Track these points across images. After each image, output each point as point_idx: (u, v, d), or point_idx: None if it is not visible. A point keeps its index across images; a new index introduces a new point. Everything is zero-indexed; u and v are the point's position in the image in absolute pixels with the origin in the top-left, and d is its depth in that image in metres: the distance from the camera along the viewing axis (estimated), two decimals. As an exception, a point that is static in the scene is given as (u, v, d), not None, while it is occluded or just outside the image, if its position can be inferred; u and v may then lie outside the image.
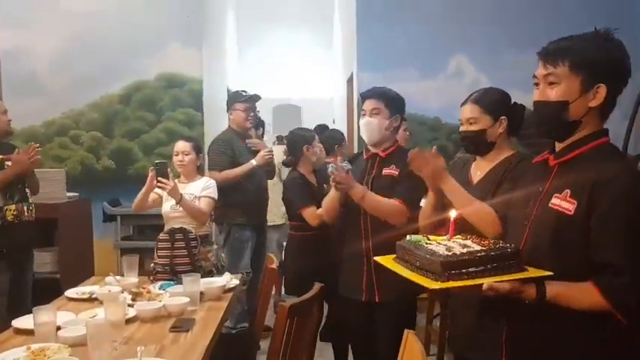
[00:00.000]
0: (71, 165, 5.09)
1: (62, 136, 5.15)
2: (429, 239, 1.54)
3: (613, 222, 1.33)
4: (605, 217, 1.33)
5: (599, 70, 1.41)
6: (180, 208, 3.23)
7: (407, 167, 2.46)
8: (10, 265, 3.32)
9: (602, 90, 1.41)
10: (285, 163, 3.66)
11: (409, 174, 2.43)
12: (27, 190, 3.41)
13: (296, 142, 3.37)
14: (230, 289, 2.77)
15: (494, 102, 2.01)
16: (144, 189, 3.25)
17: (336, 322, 3.28)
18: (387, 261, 1.60)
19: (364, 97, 2.64)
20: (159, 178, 3.14)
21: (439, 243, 1.48)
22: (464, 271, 1.35)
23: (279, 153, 4.37)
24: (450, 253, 1.38)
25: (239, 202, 3.94)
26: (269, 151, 4.00)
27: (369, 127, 2.58)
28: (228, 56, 7.56)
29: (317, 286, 2.25)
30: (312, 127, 4.54)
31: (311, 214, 3.08)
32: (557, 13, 4.96)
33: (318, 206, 2.97)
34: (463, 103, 2.06)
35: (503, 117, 1.99)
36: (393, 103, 2.60)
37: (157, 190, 3.25)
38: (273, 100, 8.81)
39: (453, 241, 1.48)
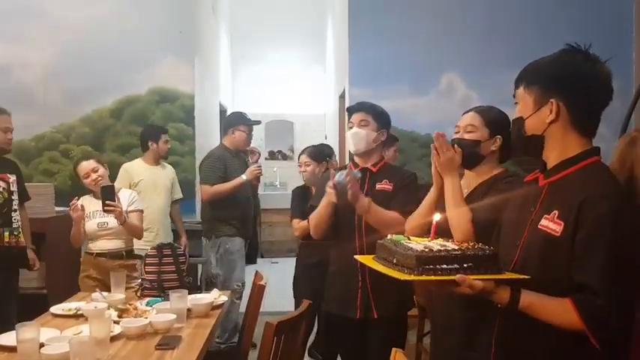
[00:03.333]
0: (61, 179, 5.06)
1: (52, 150, 5.13)
2: (409, 239, 1.55)
3: (594, 243, 1.31)
4: (587, 238, 1.32)
5: (552, 85, 1.43)
6: (110, 227, 3.34)
7: (401, 181, 2.56)
8: None
9: (554, 104, 1.42)
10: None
11: (404, 187, 2.54)
12: (13, 216, 3.30)
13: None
14: (218, 306, 2.74)
15: (495, 119, 2.04)
16: (74, 224, 3.29)
17: (325, 339, 3.31)
18: (366, 260, 1.61)
19: (352, 110, 2.66)
20: (107, 202, 3.17)
21: (419, 243, 1.48)
22: (438, 266, 1.35)
23: (269, 168, 4.51)
24: (426, 250, 1.38)
25: (228, 215, 4.07)
26: (258, 167, 4.10)
27: (357, 138, 2.58)
28: (222, 72, 7.58)
29: (305, 302, 2.23)
30: (305, 143, 4.63)
31: (295, 225, 3.48)
32: (548, 33, 5.01)
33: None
34: (465, 112, 2.09)
35: (499, 136, 2.02)
36: (380, 117, 2.63)
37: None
38: (265, 116, 8.81)
39: (434, 242, 1.48)
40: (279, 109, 9.01)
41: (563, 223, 1.36)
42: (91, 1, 5.15)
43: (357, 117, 2.62)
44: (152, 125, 4.56)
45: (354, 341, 2.62)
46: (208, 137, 5.24)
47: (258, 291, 2.77)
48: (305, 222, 3.32)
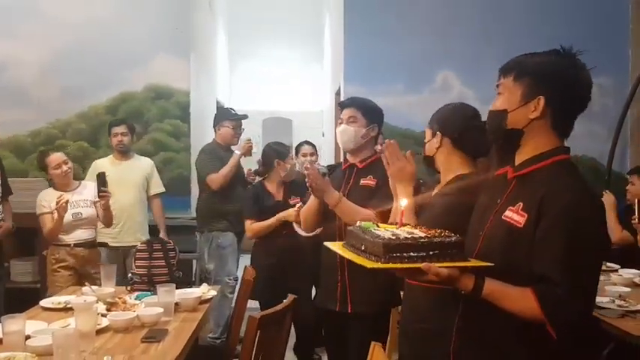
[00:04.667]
0: (57, 175, 5.08)
1: (48, 146, 5.10)
2: (378, 226, 1.56)
3: (554, 235, 1.33)
4: (547, 230, 1.34)
5: (541, 82, 1.43)
6: (85, 217, 3.54)
7: (385, 178, 2.45)
8: None
9: (541, 102, 1.43)
10: (256, 172, 3.94)
11: (385, 184, 2.44)
12: None
13: (269, 155, 3.55)
14: (206, 301, 2.76)
15: (444, 119, 2.03)
16: (57, 217, 3.39)
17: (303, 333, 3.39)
18: (336, 246, 1.63)
19: (343, 106, 2.66)
20: (102, 188, 3.38)
21: (387, 230, 1.50)
22: (405, 254, 1.35)
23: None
24: (393, 237, 1.39)
25: (222, 210, 4.12)
26: (249, 140, 4.17)
27: (345, 134, 2.59)
28: (219, 69, 7.59)
29: (290, 297, 2.25)
30: (301, 140, 4.64)
31: (248, 226, 3.54)
32: (543, 30, 5.01)
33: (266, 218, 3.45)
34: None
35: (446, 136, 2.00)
36: (370, 112, 2.61)
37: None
38: (263, 113, 8.84)
39: (401, 230, 1.49)
40: (277, 106, 9.03)
41: (526, 215, 1.38)
42: (88, 0, 5.16)
43: (346, 113, 2.61)
44: (111, 119, 4.48)
45: (336, 335, 2.63)
46: (204, 134, 5.25)
47: (246, 286, 2.79)
48: (258, 224, 3.48)
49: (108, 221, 3.64)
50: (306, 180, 2.48)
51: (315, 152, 4.26)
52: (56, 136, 5.14)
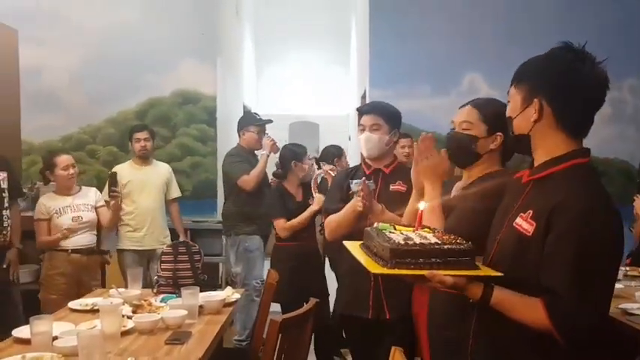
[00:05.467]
0: (87, 179, 5.17)
1: (79, 151, 5.25)
2: (394, 228, 1.53)
3: (563, 248, 1.29)
4: (556, 242, 1.30)
5: (537, 83, 1.40)
6: (85, 220, 3.55)
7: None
8: None
9: (537, 104, 1.39)
10: (274, 175, 3.89)
11: None
12: (4, 214, 3.32)
13: (286, 156, 3.56)
14: (230, 303, 2.78)
15: (495, 113, 1.80)
16: (60, 237, 3.50)
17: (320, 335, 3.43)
18: (352, 246, 1.60)
19: (362, 112, 2.59)
20: (112, 188, 3.39)
21: (402, 233, 1.47)
22: (412, 260, 1.33)
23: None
24: (402, 242, 1.37)
25: (248, 213, 4.13)
26: (270, 138, 4.18)
27: (370, 143, 2.54)
28: (245, 73, 7.65)
29: (312, 300, 2.25)
30: (328, 144, 4.71)
31: (280, 226, 3.47)
32: (573, 31, 4.89)
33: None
34: (462, 106, 1.94)
35: (499, 133, 1.84)
36: (392, 118, 2.57)
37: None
38: (289, 117, 8.87)
39: (417, 233, 1.46)
40: (303, 110, 9.06)
41: (535, 224, 1.34)
42: (115, 6, 5.28)
43: (368, 120, 2.55)
44: (133, 125, 4.49)
45: (367, 341, 2.59)
46: (231, 138, 5.30)
47: (269, 289, 2.80)
48: (290, 222, 3.47)
49: (113, 224, 3.64)
50: (356, 196, 2.39)
51: (340, 155, 4.25)
52: (87, 141, 5.26)
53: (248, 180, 4.08)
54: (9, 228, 3.34)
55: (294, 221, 3.47)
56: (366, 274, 2.40)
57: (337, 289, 2.75)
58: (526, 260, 1.36)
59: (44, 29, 5.19)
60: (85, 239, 3.58)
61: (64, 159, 3.59)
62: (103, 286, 3.57)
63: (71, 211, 3.53)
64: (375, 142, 2.53)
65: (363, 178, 2.48)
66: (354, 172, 2.72)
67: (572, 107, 1.39)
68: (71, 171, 3.59)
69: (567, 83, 1.38)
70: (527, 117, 1.42)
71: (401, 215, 2.34)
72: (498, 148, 1.87)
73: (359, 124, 2.61)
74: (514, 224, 1.41)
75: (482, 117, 1.85)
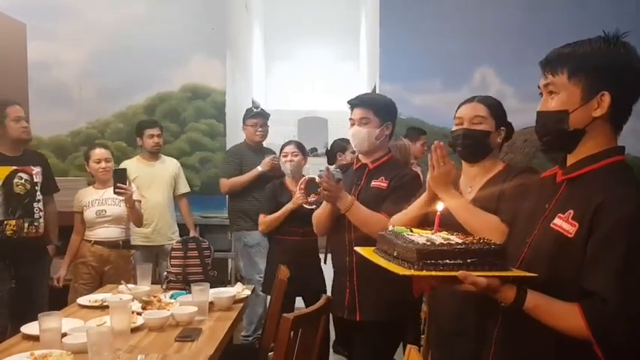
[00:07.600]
0: (96, 174, 5.16)
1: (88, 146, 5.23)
2: (412, 231, 1.48)
3: (610, 249, 1.22)
4: (601, 243, 1.23)
5: (602, 76, 1.32)
6: (108, 214, 3.52)
7: (397, 180, 2.39)
8: (13, 277, 3.25)
9: (606, 98, 1.31)
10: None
11: (399, 187, 2.36)
12: (35, 206, 3.32)
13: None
14: (240, 300, 2.75)
15: (498, 108, 1.92)
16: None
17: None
18: (367, 252, 1.54)
19: (352, 105, 2.50)
20: (118, 185, 3.33)
21: (422, 235, 1.41)
22: (440, 262, 1.27)
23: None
24: (428, 243, 1.31)
25: (246, 208, 4.12)
26: (275, 157, 4.05)
27: (358, 137, 2.44)
28: (255, 69, 7.62)
29: (324, 297, 2.21)
30: (336, 138, 4.67)
31: (260, 220, 3.48)
32: (586, 24, 4.84)
33: None
34: (464, 103, 1.95)
35: (503, 127, 1.92)
36: (382, 110, 2.45)
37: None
38: (298, 113, 8.85)
39: (437, 235, 1.41)
40: (313, 105, 9.02)
41: (577, 225, 1.28)
42: (124, 1, 5.23)
43: (357, 113, 2.45)
44: (141, 121, 4.43)
45: (346, 341, 2.56)
46: (239, 134, 5.26)
47: (280, 286, 2.77)
48: (266, 218, 3.45)
49: (136, 220, 3.60)
50: (318, 185, 2.37)
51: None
52: (95, 136, 5.23)
53: (224, 184, 4.16)
54: (41, 220, 3.34)
55: (269, 217, 3.42)
56: (343, 275, 2.40)
57: None
58: (565, 263, 1.29)
59: (53, 23, 5.16)
60: (107, 232, 3.55)
61: (97, 152, 3.59)
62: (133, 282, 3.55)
63: (98, 204, 3.52)
64: (364, 136, 2.43)
65: (326, 166, 2.45)
66: (347, 168, 2.66)
67: (629, 102, 1.34)
68: (103, 165, 3.57)
69: (626, 77, 1.33)
70: (588, 111, 1.33)
71: (378, 212, 2.30)
72: (503, 141, 1.94)
73: (349, 118, 2.51)
74: (551, 225, 1.34)
75: (490, 112, 1.90)
